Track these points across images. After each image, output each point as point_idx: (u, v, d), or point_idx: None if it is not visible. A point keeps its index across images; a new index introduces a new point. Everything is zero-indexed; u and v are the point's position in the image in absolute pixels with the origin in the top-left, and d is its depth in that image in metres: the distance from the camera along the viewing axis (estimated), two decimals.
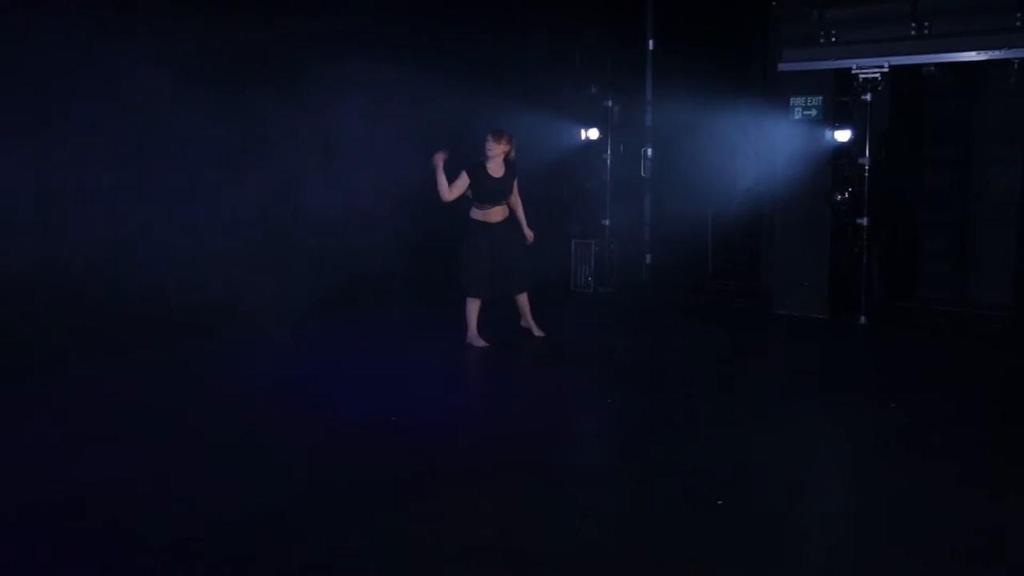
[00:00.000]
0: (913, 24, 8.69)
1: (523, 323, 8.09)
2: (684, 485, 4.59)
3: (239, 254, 8.37)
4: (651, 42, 11.14)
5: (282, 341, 7.87)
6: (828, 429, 5.73)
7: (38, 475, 4.63)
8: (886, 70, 8.85)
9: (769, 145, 9.83)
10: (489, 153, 7.60)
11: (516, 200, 7.78)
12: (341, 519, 4.12)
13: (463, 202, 7.74)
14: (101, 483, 4.50)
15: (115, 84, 7.52)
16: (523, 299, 8.01)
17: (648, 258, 11.32)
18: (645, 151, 11.18)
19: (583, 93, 11.17)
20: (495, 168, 7.61)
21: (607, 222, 11.25)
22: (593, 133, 11.23)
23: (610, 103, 11.13)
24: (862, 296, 9.15)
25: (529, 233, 7.84)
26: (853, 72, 8.96)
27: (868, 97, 8.96)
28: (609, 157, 11.25)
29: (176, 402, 6.00)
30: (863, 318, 9.08)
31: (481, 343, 7.65)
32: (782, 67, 9.40)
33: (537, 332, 8.04)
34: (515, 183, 7.74)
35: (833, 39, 9.11)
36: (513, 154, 7.74)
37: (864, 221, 9.10)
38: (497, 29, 10.26)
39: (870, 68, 8.89)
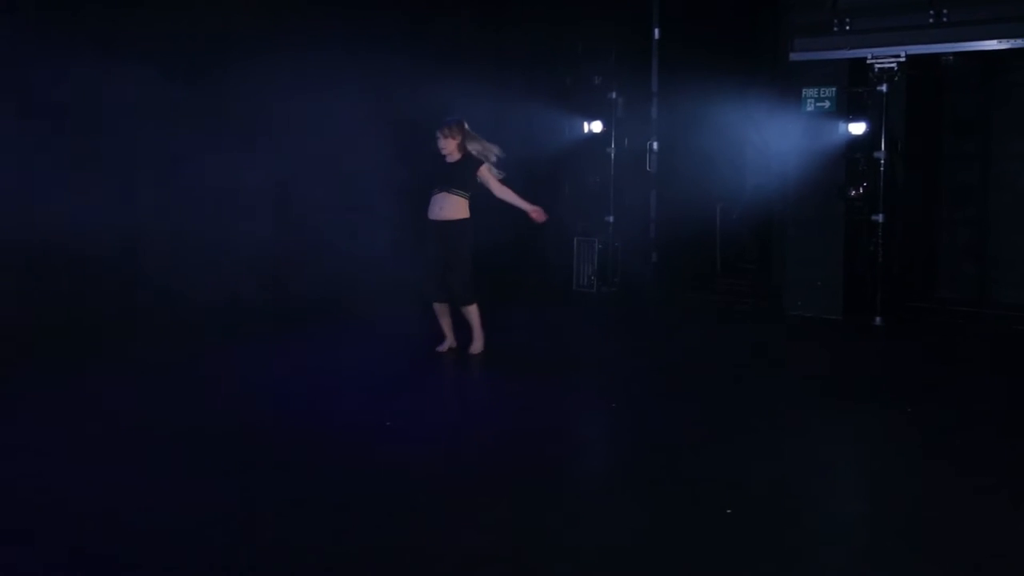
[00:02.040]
0: (931, 11, 8.66)
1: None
2: (691, 492, 4.56)
3: (230, 253, 8.35)
4: (657, 31, 11.10)
5: (274, 344, 7.84)
6: (841, 435, 5.69)
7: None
8: (903, 60, 8.82)
9: (780, 138, 9.80)
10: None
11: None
12: (334, 529, 4.08)
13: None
14: (74, 492, 4.46)
15: (98, 82, 7.53)
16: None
17: (654, 256, 11.29)
18: (650, 145, 11.14)
19: (586, 84, 11.14)
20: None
21: (611, 219, 11.22)
22: (596, 126, 11.21)
23: (614, 95, 11.10)
24: (877, 296, 9.11)
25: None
26: (868, 62, 8.93)
27: (884, 88, 8.93)
28: (613, 151, 11.22)
29: (161, 407, 5.96)
30: (878, 319, 9.05)
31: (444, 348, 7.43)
32: (794, 57, 9.37)
33: (447, 346, 7.48)
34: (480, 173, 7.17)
35: (847, 27, 9.07)
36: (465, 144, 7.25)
37: (879, 218, 9.07)
38: (497, 17, 10.23)
39: (886, 58, 8.86)
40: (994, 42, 8.45)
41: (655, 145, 11.14)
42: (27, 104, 7.30)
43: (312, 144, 8.85)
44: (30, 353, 6.94)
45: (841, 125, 9.20)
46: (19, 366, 6.73)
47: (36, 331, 7.18)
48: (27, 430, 5.43)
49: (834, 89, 9.18)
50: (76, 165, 7.52)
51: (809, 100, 9.30)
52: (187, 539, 3.96)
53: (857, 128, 9.18)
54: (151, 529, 4.06)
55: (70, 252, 7.51)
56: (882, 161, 9.02)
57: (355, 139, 8.99)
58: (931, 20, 8.67)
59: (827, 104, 9.22)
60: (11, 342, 6.94)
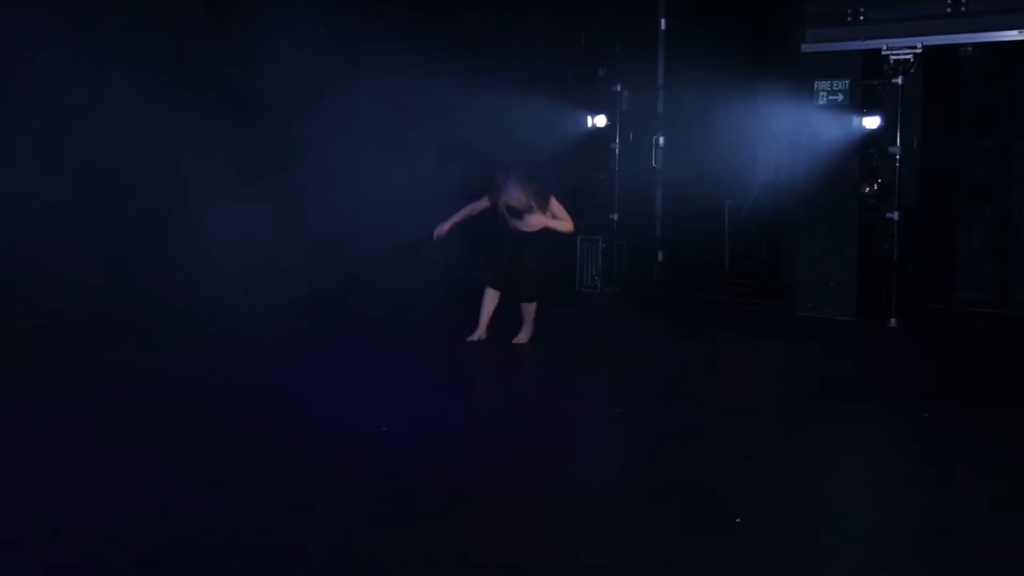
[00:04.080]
0: (949, 1, 8.64)
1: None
2: (699, 501, 4.54)
3: (228, 252, 8.36)
4: (663, 21, 11.10)
5: (273, 346, 7.85)
6: (854, 441, 5.66)
7: None
8: (919, 51, 8.80)
9: (791, 133, 9.79)
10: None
11: None
12: (325, 539, 4.06)
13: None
14: (60, 499, 4.44)
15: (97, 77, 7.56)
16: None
17: (660, 255, 11.28)
18: (657, 140, 11.13)
19: (589, 77, 11.12)
20: None
21: (615, 216, 11.21)
22: (600, 120, 11.19)
23: (619, 88, 11.09)
24: (892, 297, 9.10)
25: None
26: (883, 53, 8.92)
27: (899, 80, 8.92)
28: (618, 146, 11.21)
29: (151, 409, 5.96)
30: (893, 320, 9.03)
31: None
32: (805, 48, 9.36)
33: (477, 337, 7.96)
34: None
35: (861, 17, 9.06)
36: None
37: (895, 215, 9.06)
38: (496, 6, 10.21)
39: (901, 49, 8.84)
40: (1015, 32, 8.44)
41: (661, 140, 11.13)
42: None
43: (304, 138, 8.83)
44: (23, 353, 6.95)
45: (855, 119, 9.19)
46: (15, 365, 6.75)
47: (33, 330, 7.19)
48: (20, 432, 5.44)
49: (847, 82, 9.16)
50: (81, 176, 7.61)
51: (821, 93, 9.29)
52: (179, 546, 3.95)
53: (871, 122, 9.16)
54: (142, 534, 4.05)
55: (70, 252, 7.56)
56: (897, 156, 9.00)
57: (346, 132, 8.98)
58: (949, 10, 8.66)
59: (840, 97, 9.21)
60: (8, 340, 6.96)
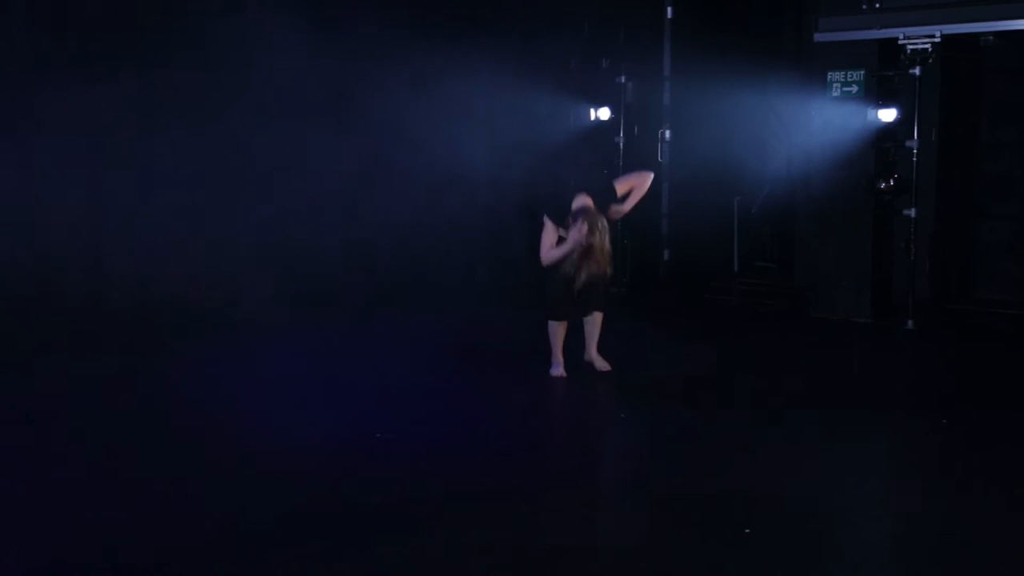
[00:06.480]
0: None
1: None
2: (706, 510, 4.53)
3: (230, 250, 8.39)
4: (670, 9, 11.08)
5: (272, 346, 7.87)
6: (870, 448, 5.67)
7: None
8: (937, 40, 8.79)
9: (803, 126, 9.77)
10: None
11: None
12: (316, 549, 4.06)
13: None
14: (45, 499, 4.48)
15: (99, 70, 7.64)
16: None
17: (666, 254, 11.27)
18: (663, 133, 11.11)
19: (592, 67, 11.11)
20: None
21: None
22: (604, 113, 11.18)
23: (623, 79, 11.07)
24: (909, 297, 9.08)
25: None
26: (900, 42, 8.92)
27: (917, 71, 8.91)
28: (622, 140, 11.19)
29: (141, 411, 6.01)
30: (910, 322, 9.02)
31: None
32: (818, 37, 9.36)
33: (561, 372, 7.20)
34: None
35: (877, 5, 9.04)
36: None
37: (912, 212, 9.05)
38: None
39: (919, 38, 8.83)
40: None
41: (668, 134, 11.11)
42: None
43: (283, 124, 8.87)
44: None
45: (870, 111, 9.18)
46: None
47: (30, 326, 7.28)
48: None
49: (862, 72, 9.16)
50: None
51: (835, 84, 9.29)
52: (170, 550, 3.98)
53: (887, 115, 9.15)
54: (129, 541, 4.07)
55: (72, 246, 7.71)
56: (914, 151, 8.99)
57: (333, 121, 8.99)
58: None
59: (855, 89, 9.21)
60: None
